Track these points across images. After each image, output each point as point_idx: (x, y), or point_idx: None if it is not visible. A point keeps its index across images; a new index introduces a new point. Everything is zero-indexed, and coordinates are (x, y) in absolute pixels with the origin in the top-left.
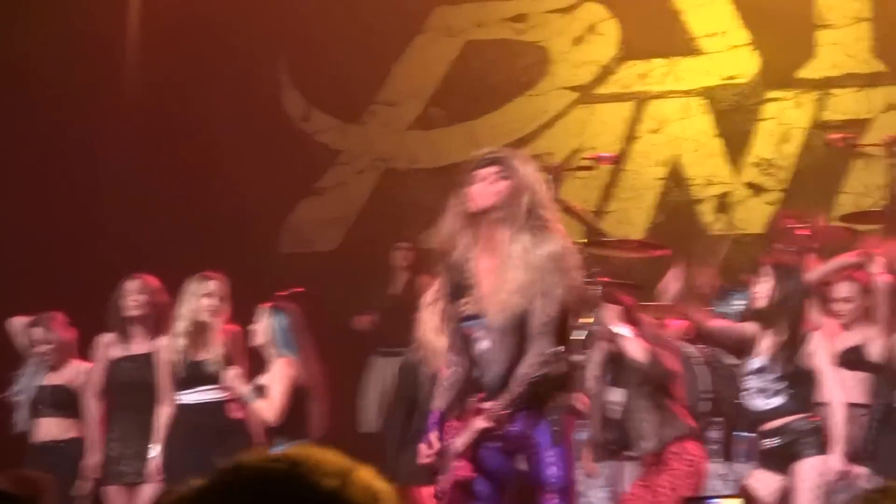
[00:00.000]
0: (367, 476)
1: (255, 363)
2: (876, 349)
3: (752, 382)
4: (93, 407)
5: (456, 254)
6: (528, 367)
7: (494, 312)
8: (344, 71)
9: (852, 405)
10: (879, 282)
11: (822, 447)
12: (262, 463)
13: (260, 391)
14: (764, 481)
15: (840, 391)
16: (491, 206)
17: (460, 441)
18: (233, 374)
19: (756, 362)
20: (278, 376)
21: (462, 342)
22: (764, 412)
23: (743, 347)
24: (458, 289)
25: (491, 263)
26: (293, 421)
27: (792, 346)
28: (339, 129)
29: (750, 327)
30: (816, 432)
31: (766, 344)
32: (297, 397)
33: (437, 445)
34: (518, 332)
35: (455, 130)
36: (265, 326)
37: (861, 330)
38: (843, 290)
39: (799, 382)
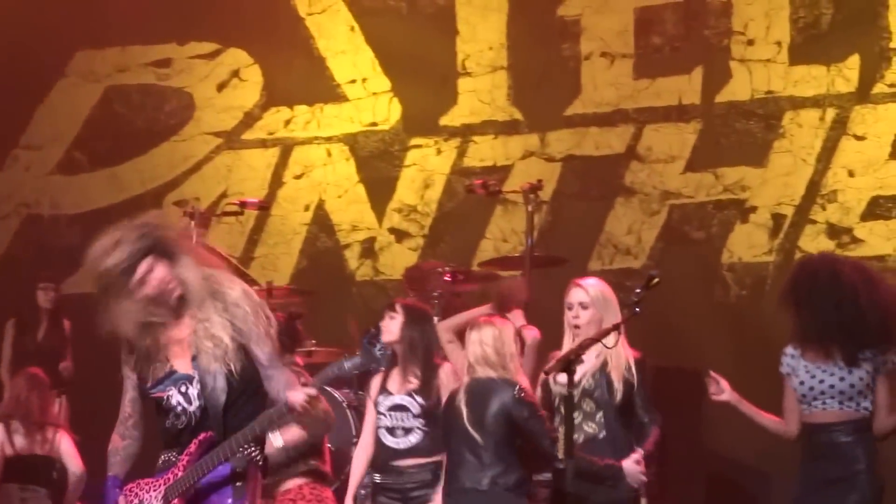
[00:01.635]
0: None
1: None
2: None
3: (386, 421)
4: None
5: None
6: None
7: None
8: None
9: None
10: (527, 334)
11: None
12: None
13: None
14: None
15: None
16: (155, 296)
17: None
18: None
19: (389, 400)
20: None
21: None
22: (398, 451)
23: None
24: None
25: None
26: None
27: (426, 383)
28: None
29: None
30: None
31: (397, 382)
32: None
33: None
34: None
35: (99, 175)
36: None
37: None
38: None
39: (434, 420)
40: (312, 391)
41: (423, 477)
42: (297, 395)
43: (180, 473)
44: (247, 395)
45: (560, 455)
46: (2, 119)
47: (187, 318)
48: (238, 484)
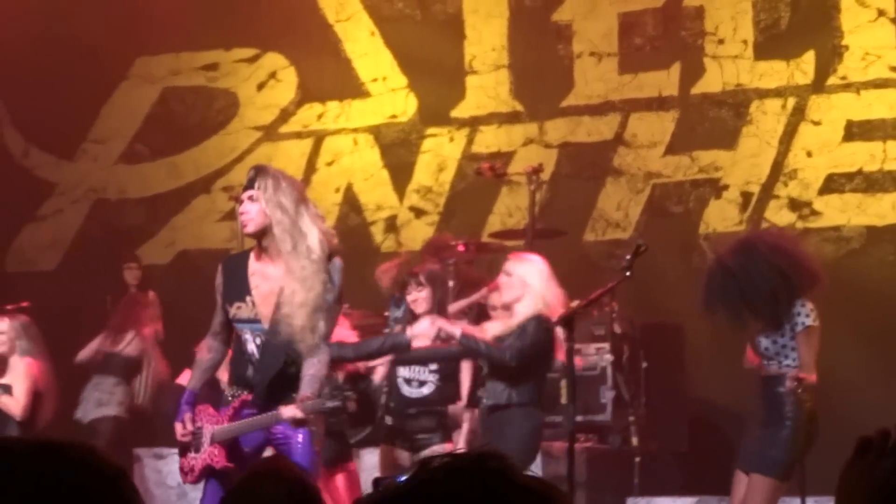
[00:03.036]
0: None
1: None
2: None
3: (405, 372)
4: None
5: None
6: (316, 370)
7: (267, 320)
8: (58, 112)
9: None
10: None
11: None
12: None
13: (6, 389)
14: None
15: (468, 376)
16: (255, 230)
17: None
18: None
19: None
20: (22, 376)
21: (230, 335)
22: (410, 399)
23: None
24: (232, 291)
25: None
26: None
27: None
28: (55, 165)
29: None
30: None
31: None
32: (37, 395)
33: (190, 426)
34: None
35: (158, 164)
36: (8, 333)
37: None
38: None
39: (447, 375)
40: (299, 414)
41: (428, 423)
42: (288, 412)
43: (225, 422)
44: (297, 364)
45: (563, 400)
46: (72, 117)
47: (281, 265)
48: (313, 428)
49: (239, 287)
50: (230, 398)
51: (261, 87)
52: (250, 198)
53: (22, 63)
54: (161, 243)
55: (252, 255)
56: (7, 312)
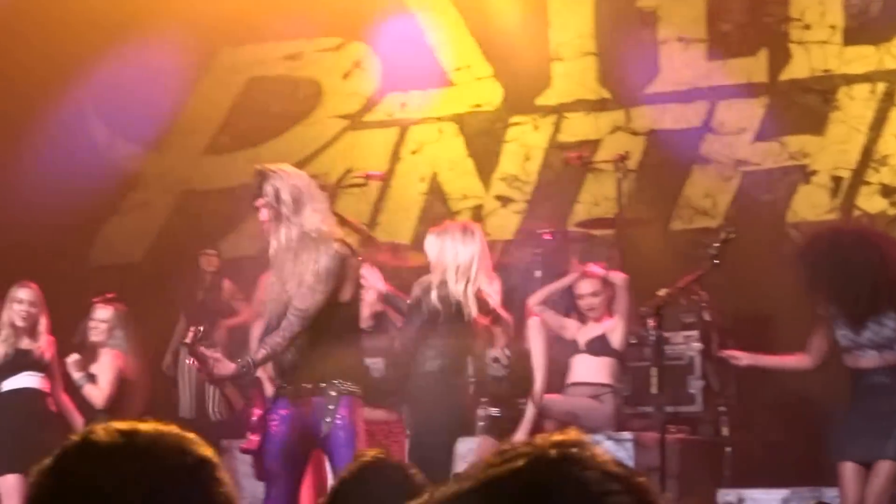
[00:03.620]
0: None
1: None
2: (617, 337)
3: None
4: None
5: None
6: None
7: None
8: (143, 103)
9: (599, 385)
10: (617, 278)
11: None
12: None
13: (90, 378)
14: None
15: (542, 371)
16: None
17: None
18: (71, 361)
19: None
20: (107, 366)
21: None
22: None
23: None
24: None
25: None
26: (117, 405)
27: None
28: (141, 156)
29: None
30: None
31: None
32: (123, 385)
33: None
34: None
35: (242, 154)
36: (108, 322)
37: (603, 321)
38: (588, 286)
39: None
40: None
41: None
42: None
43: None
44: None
45: (654, 390)
46: (156, 107)
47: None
48: (330, 407)
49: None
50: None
51: (345, 76)
52: (262, 206)
53: (106, 53)
54: (245, 234)
55: None
56: (109, 301)
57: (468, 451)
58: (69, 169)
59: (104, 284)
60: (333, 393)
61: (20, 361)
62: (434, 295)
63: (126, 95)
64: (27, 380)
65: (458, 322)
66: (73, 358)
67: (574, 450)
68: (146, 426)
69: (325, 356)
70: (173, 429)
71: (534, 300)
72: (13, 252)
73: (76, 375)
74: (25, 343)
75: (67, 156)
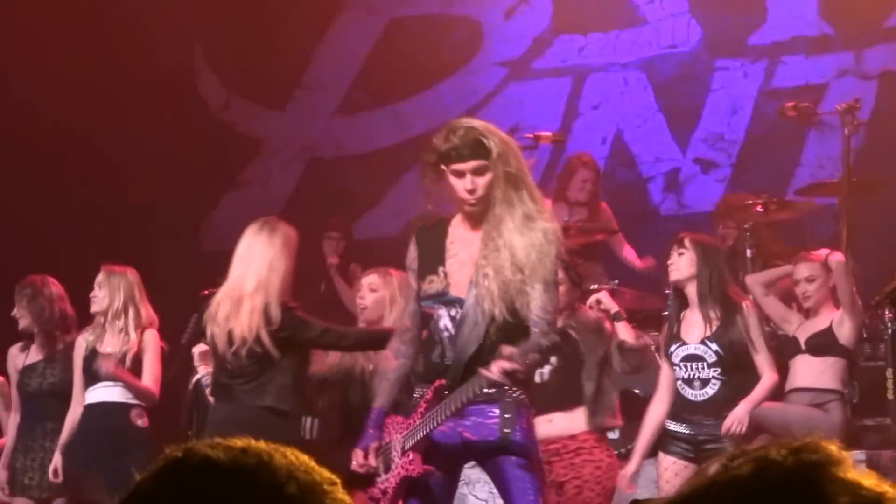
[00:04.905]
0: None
1: None
2: (845, 332)
3: (681, 373)
4: (4, 420)
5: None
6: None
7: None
8: (263, 54)
9: (822, 391)
10: (833, 260)
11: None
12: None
13: None
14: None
15: (771, 368)
16: (475, 201)
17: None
18: (198, 352)
19: (683, 350)
20: None
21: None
22: (695, 403)
23: None
24: (427, 263)
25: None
26: None
27: (724, 325)
28: (262, 117)
29: None
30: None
31: (689, 328)
32: None
33: (373, 456)
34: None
35: (381, 114)
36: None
37: (827, 313)
38: (803, 270)
39: (732, 366)
40: (511, 366)
41: (716, 431)
42: (498, 366)
43: (417, 421)
44: (506, 342)
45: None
46: (280, 59)
47: (481, 232)
48: (507, 415)
49: (434, 258)
50: (416, 398)
51: (508, 14)
52: (478, 170)
53: None
54: (387, 211)
55: (451, 222)
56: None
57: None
58: (177, 136)
59: (217, 273)
60: None
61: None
62: None
63: (244, 45)
64: (103, 392)
65: None
66: (200, 349)
67: (813, 457)
68: (257, 444)
69: None
70: (294, 451)
71: (752, 281)
72: (115, 234)
73: (201, 372)
74: (107, 340)
75: (175, 120)
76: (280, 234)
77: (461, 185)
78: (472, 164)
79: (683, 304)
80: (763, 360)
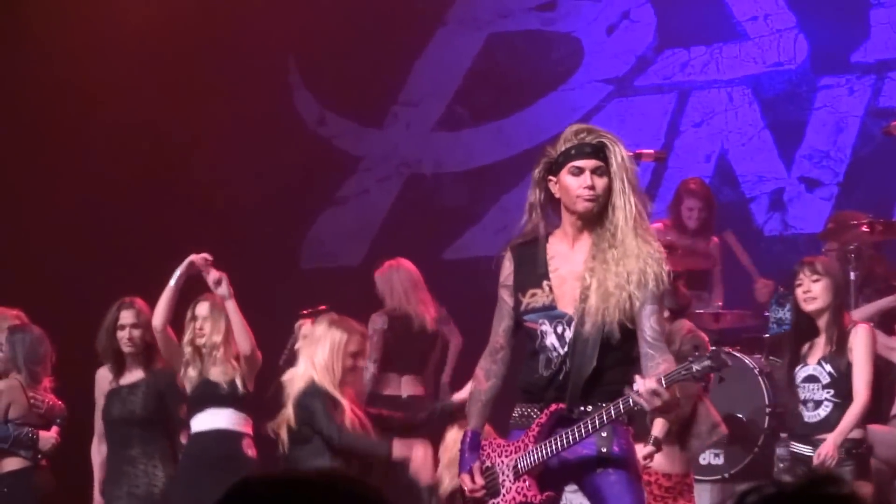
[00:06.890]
0: None
1: None
2: None
3: (800, 393)
4: (94, 447)
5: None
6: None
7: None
8: (361, 70)
9: None
10: None
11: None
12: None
13: None
14: None
15: (865, 390)
16: (593, 197)
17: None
18: None
19: (804, 371)
20: None
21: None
22: (809, 425)
23: None
24: (528, 277)
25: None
26: None
27: (839, 347)
28: (359, 133)
29: None
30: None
31: (814, 349)
32: None
33: (480, 479)
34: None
35: (482, 130)
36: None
37: None
38: None
39: (846, 388)
40: (656, 386)
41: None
42: (644, 385)
43: (530, 445)
44: (618, 360)
45: None
46: (378, 74)
47: (590, 244)
48: (604, 434)
49: (537, 272)
50: (519, 419)
51: (611, 30)
52: (598, 171)
53: (316, 11)
54: (489, 228)
55: (549, 239)
56: (320, 314)
57: None
58: (273, 153)
59: (316, 293)
60: None
61: (208, 393)
62: None
63: (340, 60)
64: (212, 418)
65: None
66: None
67: (829, 489)
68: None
69: None
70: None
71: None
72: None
73: None
74: (215, 370)
75: (272, 137)
76: None
77: (578, 183)
78: (594, 162)
79: (811, 327)
80: (858, 382)
